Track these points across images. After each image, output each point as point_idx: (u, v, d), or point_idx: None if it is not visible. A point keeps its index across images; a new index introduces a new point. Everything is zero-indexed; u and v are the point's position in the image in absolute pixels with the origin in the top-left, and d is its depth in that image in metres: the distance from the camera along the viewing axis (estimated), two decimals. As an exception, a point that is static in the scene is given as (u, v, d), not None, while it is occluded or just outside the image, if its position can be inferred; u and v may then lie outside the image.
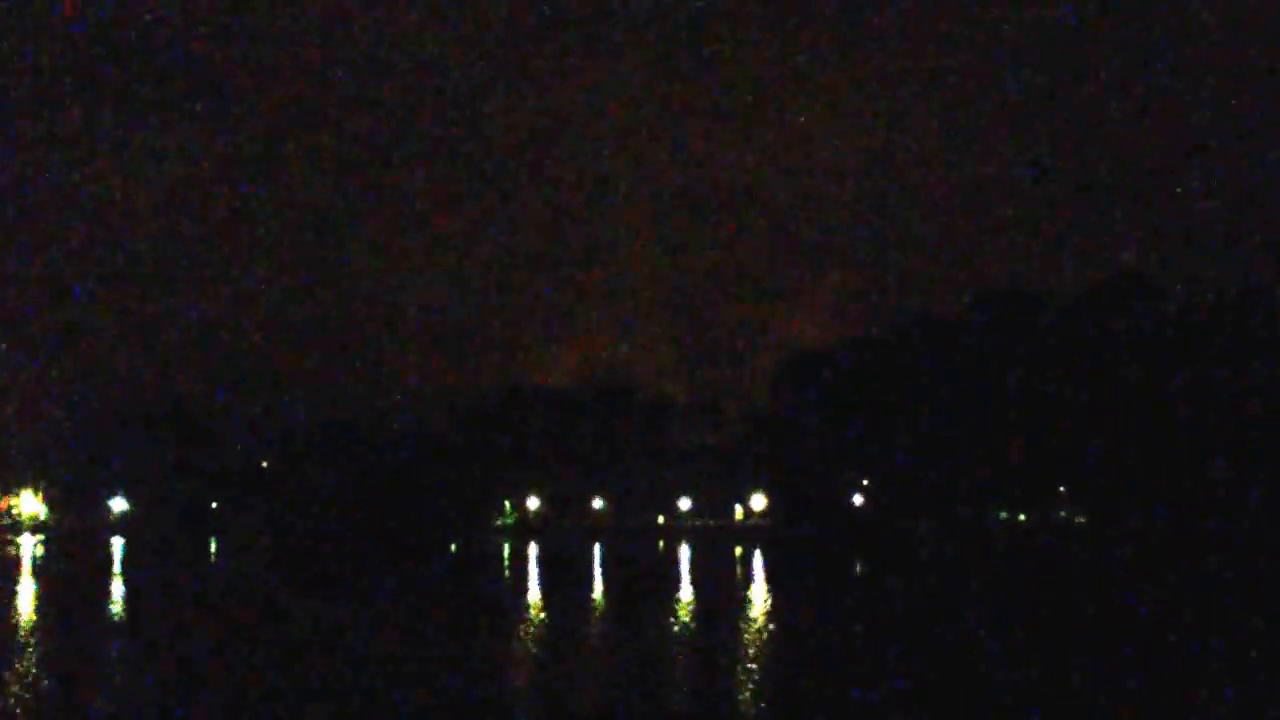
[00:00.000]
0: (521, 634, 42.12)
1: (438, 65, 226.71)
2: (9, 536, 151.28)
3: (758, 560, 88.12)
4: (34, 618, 50.31)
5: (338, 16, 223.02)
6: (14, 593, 62.30)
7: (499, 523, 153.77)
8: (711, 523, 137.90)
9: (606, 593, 60.88)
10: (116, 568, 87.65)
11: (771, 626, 44.23)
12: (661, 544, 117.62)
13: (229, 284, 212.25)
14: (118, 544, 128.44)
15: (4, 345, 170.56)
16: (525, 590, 62.93)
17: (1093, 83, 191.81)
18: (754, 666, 33.97)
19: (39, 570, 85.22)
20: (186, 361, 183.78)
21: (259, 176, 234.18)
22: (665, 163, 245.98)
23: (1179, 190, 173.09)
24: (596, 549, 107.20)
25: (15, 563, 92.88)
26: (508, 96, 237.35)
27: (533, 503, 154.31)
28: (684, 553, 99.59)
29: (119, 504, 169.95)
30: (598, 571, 78.70)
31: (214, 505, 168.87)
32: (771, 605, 52.80)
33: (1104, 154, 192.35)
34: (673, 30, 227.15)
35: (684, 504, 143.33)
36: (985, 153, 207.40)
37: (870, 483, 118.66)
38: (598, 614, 50.42)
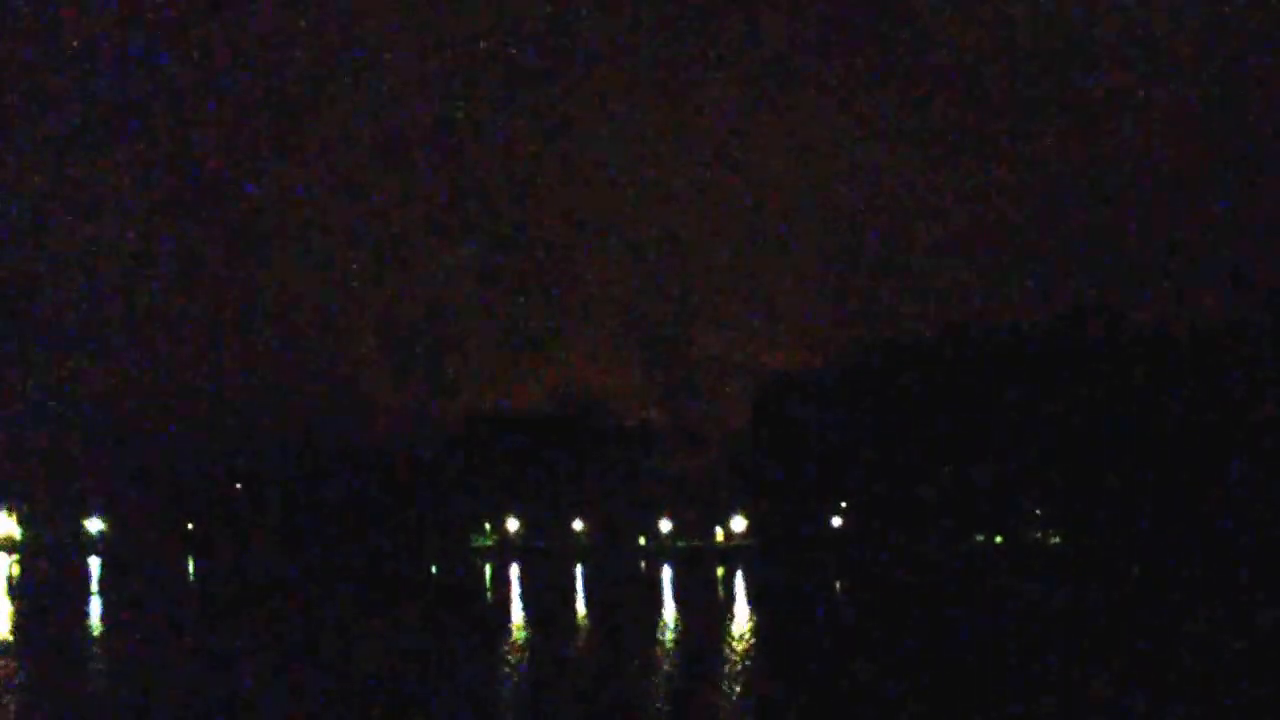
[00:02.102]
0: (506, 658, 42.14)
1: (423, 89, 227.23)
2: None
3: (739, 581, 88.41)
4: (9, 637, 49.87)
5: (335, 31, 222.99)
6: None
7: (479, 544, 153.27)
8: (693, 544, 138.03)
9: (590, 614, 60.96)
10: (93, 588, 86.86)
11: (753, 647, 44.49)
12: (643, 565, 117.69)
13: (208, 304, 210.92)
14: (94, 564, 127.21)
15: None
16: (508, 613, 62.90)
17: (1072, 114, 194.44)
18: (736, 686, 34.23)
19: (13, 590, 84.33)
20: (163, 382, 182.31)
21: (244, 193, 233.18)
22: (641, 187, 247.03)
23: (1144, 219, 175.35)
24: (578, 570, 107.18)
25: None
26: (485, 124, 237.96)
27: (513, 524, 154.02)
28: (666, 574, 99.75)
29: (95, 524, 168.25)
30: (580, 593, 78.74)
31: (190, 526, 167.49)
32: (753, 626, 53.09)
33: (1081, 184, 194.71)
34: (650, 58, 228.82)
35: (665, 526, 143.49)
36: (962, 180, 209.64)
37: (849, 505, 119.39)
38: (583, 635, 50.51)
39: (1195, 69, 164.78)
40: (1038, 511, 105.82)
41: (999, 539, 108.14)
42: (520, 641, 46.46)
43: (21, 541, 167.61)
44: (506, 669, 37.84)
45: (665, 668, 38.09)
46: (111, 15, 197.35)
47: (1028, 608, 61.03)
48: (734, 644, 43.96)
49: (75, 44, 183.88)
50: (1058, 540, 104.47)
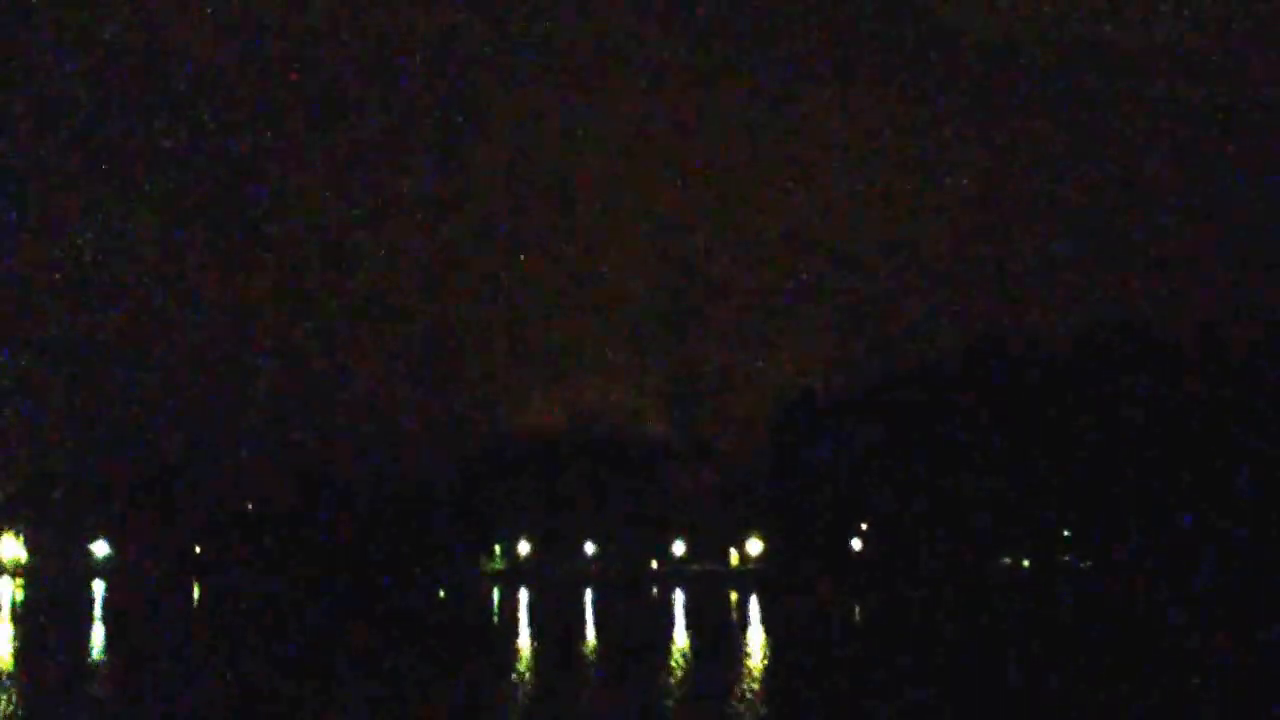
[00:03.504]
0: (513, 685, 40.79)
1: (435, 104, 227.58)
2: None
3: (754, 606, 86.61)
4: (13, 662, 48.78)
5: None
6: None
7: (488, 568, 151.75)
8: (707, 568, 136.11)
9: (601, 641, 59.46)
10: (98, 612, 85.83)
11: (769, 676, 42.95)
12: (655, 589, 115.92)
13: (215, 325, 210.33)
14: (99, 588, 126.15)
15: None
16: (516, 638, 61.44)
17: (1092, 122, 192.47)
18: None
19: (17, 615, 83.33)
20: (171, 404, 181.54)
21: (253, 212, 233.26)
22: (655, 205, 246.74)
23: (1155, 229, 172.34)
24: (589, 594, 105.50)
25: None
26: (497, 139, 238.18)
27: (523, 547, 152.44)
28: (679, 598, 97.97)
29: (101, 548, 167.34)
30: (590, 618, 77.18)
31: (197, 550, 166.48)
32: (769, 654, 51.44)
33: (1106, 196, 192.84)
34: (663, 75, 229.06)
35: (678, 548, 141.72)
36: (977, 196, 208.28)
37: (869, 527, 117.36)
38: (593, 662, 49.11)
39: (1214, 72, 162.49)
40: (1066, 534, 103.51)
41: (1026, 563, 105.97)
42: (523, 673, 44.89)
43: (26, 565, 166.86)
44: (506, 702, 36.32)
45: (673, 702, 36.47)
46: (117, 15, 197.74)
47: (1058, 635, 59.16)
48: (748, 675, 42.35)
49: (78, 48, 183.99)
50: (1087, 564, 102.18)
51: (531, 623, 72.20)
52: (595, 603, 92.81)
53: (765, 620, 72.29)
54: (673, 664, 46.26)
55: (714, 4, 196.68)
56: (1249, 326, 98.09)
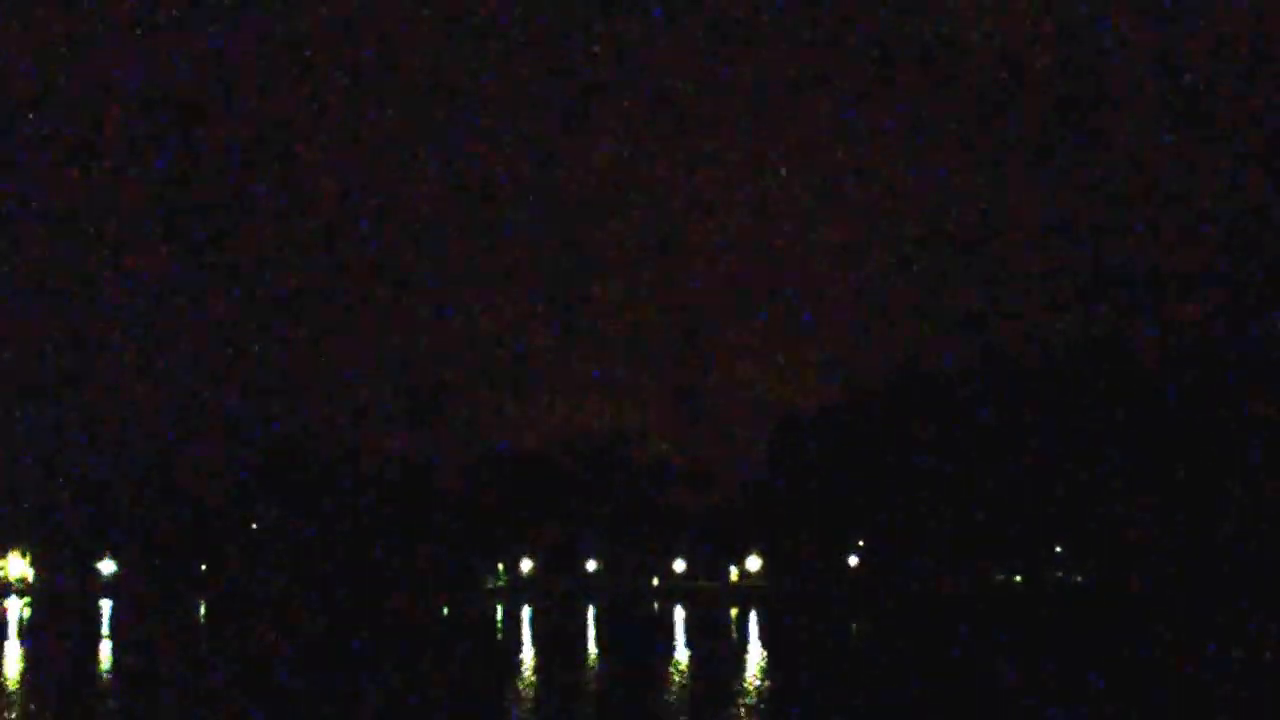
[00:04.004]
0: (519, 701, 41.52)
1: (429, 125, 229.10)
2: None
3: (754, 622, 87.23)
4: (20, 681, 49.50)
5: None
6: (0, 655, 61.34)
7: (491, 585, 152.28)
8: (707, 584, 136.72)
9: (603, 657, 60.16)
10: (103, 631, 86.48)
11: (769, 690, 43.66)
12: (656, 606, 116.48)
13: (220, 346, 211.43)
14: (106, 606, 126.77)
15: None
16: (520, 655, 62.14)
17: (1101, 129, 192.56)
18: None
19: (24, 633, 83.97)
20: (172, 423, 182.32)
21: (254, 232, 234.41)
22: (655, 222, 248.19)
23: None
24: (590, 611, 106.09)
25: (1, 625, 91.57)
26: (502, 152, 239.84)
27: (525, 565, 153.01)
28: (679, 615, 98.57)
29: (107, 566, 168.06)
30: (592, 635, 77.83)
31: (203, 568, 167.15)
32: (768, 668, 52.16)
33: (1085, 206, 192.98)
34: (663, 91, 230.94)
35: (678, 566, 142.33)
36: (971, 209, 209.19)
37: (866, 543, 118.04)
38: (595, 678, 49.81)
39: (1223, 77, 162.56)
40: (1058, 549, 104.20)
41: (1018, 578, 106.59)
42: (529, 688, 45.68)
43: (33, 584, 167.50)
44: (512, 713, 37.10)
45: (675, 715, 37.26)
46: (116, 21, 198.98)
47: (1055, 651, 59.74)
48: (748, 692, 43.08)
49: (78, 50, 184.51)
50: (1079, 579, 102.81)
51: (535, 639, 72.87)
52: (597, 620, 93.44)
53: (764, 637, 72.93)
54: (674, 680, 46.99)
55: (713, 10, 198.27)
56: (1244, 333, 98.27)
